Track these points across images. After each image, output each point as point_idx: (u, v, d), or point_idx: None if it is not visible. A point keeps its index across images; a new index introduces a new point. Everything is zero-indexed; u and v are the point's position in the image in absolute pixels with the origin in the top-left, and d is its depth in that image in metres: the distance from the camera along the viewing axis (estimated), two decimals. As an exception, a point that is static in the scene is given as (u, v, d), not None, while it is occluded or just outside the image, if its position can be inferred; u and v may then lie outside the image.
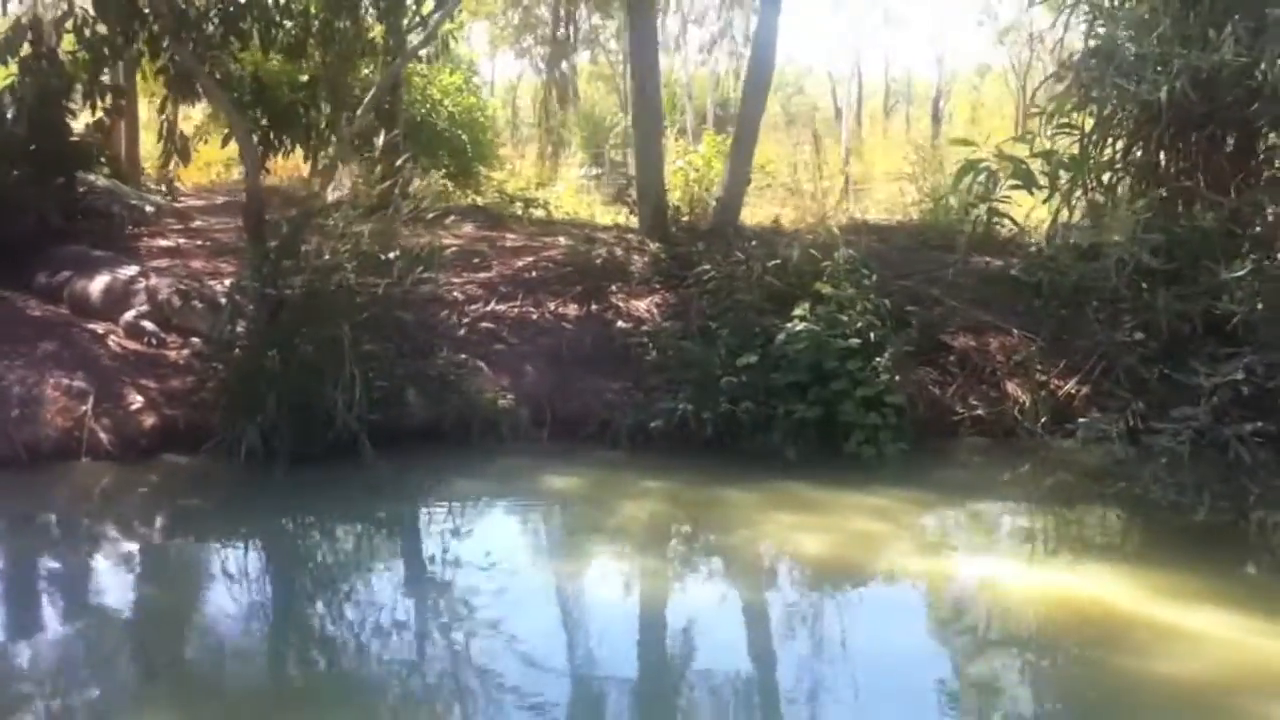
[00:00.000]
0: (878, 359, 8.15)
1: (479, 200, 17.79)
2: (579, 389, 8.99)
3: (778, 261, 9.10)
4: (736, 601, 6.16)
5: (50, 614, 6.10)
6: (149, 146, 19.21)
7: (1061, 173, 8.70)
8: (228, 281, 9.95)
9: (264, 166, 10.27)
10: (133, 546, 7.24)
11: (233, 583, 6.73)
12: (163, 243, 12.66)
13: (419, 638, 5.77)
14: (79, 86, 10.01)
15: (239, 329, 8.46)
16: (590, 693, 5.26)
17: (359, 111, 9.05)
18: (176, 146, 9.20)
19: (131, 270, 9.71)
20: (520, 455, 8.39)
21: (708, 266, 9.56)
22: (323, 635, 5.87)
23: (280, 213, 14.53)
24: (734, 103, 44.15)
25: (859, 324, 8.29)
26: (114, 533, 7.32)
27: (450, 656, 5.54)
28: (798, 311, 8.59)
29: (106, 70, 9.26)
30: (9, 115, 9.63)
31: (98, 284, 9.57)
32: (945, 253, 11.89)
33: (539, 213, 16.31)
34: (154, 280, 9.43)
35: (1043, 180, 9.00)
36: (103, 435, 8.14)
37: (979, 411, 8.90)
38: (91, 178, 12.47)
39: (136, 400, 8.45)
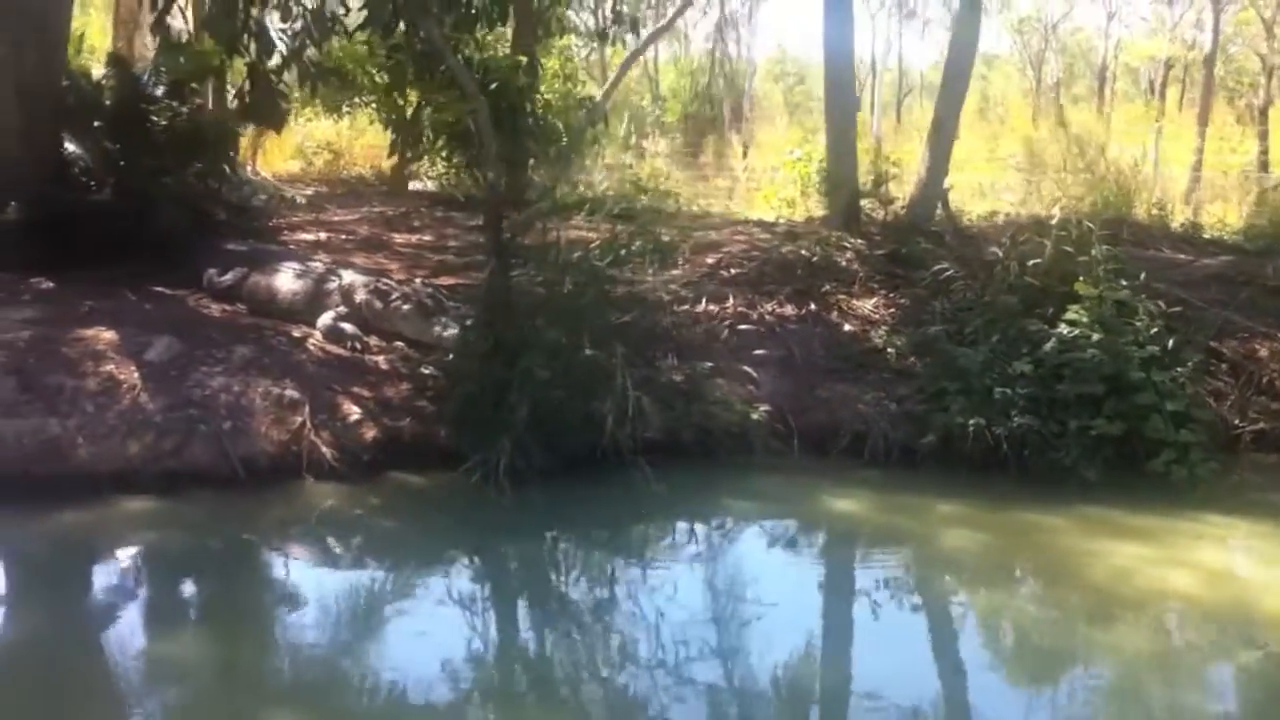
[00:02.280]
0: (1178, 369, 7.46)
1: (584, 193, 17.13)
2: (822, 398, 8.34)
3: (1038, 260, 8.38)
4: (1139, 654, 5.42)
5: (314, 648, 5.46)
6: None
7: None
8: (418, 281, 9.32)
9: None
10: (394, 576, 6.55)
11: (500, 613, 6.17)
12: (306, 236, 11.99)
13: (735, 680, 5.12)
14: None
15: (463, 334, 7.76)
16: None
17: (600, 97, 8.28)
18: (409, 137, 8.42)
19: (317, 268, 9.00)
20: (776, 471, 7.74)
21: (946, 265, 8.86)
22: (621, 676, 5.25)
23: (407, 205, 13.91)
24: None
25: (1153, 329, 7.60)
26: (376, 563, 6.63)
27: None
28: (1070, 315, 7.90)
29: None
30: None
31: (283, 283, 8.87)
32: (1135, 248, 11.27)
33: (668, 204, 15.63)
34: (348, 279, 8.72)
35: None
36: (325, 450, 7.42)
37: (1261, 425, 8.21)
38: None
39: (353, 411, 7.77)
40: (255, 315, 8.94)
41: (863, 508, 7.24)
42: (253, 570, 6.54)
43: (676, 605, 6.09)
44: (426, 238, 12.64)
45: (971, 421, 7.41)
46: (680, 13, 8.73)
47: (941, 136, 10.78)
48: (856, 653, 5.55)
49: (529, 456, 7.20)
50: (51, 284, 9.37)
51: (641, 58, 34.80)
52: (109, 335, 8.16)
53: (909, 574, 6.51)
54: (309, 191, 15.63)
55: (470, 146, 8.28)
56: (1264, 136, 28.42)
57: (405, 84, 8.36)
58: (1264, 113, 31.33)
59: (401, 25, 7.77)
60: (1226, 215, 15.06)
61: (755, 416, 7.81)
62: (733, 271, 9.92)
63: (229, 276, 9.27)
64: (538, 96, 9.17)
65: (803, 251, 10.00)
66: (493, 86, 8.69)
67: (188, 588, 6.39)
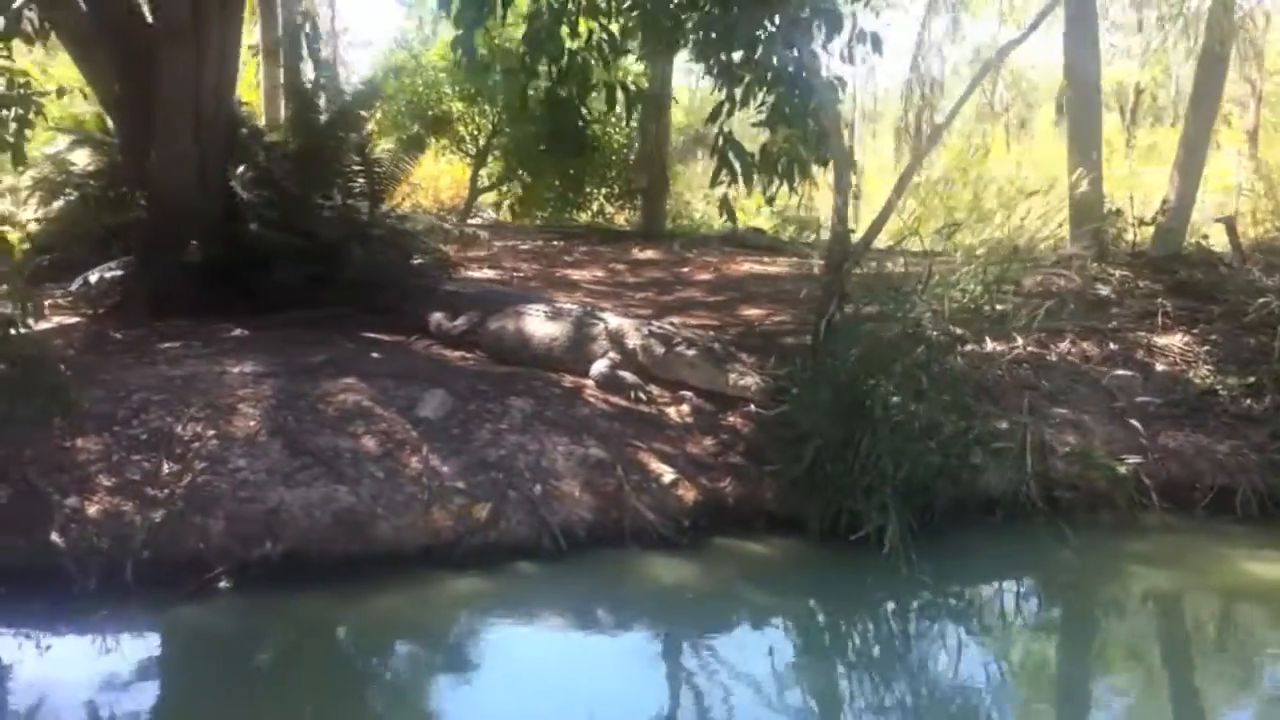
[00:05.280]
0: None
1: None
2: (1169, 447, 7.67)
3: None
4: None
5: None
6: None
7: None
8: (673, 321, 8.60)
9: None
10: (780, 662, 5.76)
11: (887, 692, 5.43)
12: (477, 274, 11.25)
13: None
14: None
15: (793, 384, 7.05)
16: None
17: (946, 119, 7.50)
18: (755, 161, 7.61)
19: (571, 310, 8.24)
20: (1138, 529, 7.10)
21: (1270, 297, 8.26)
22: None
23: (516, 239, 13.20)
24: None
25: None
26: (755, 646, 5.89)
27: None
28: None
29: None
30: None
31: (535, 327, 8.11)
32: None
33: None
34: (614, 323, 7.97)
35: None
36: (650, 515, 6.63)
37: None
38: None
39: (664, 470, 7.00)
40: (501, 363, 8.15)
41: (1284, 572, 6.54)
42: (626, 658, 5.75)
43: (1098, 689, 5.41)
44: (597, 273, 11.98)
45: None
46: (1039, 21, 7.92)
47: (1192, 161, 10.23)
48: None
49: (889, 516, 6.46)
50: (244, 331, 8.56)
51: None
52: (362, 388, 7.33)
53: None
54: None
55: (771, 173, 7.45)
56: (1254, 158, 28.48)
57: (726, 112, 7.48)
58: (1253, 135, 31.43)
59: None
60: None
61: (1123, 470, 7.08)
62: (998, 308, 9.20)
63: (461, 321, 8.50)
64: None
65: (1062, 283, 9.34)
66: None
67: (550, 684, 5.52)
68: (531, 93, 8.57)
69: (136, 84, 9.00)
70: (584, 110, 7.75)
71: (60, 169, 11.19)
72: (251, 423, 6.81)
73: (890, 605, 6.18)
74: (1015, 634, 6.03)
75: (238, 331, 8.57)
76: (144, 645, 5.59)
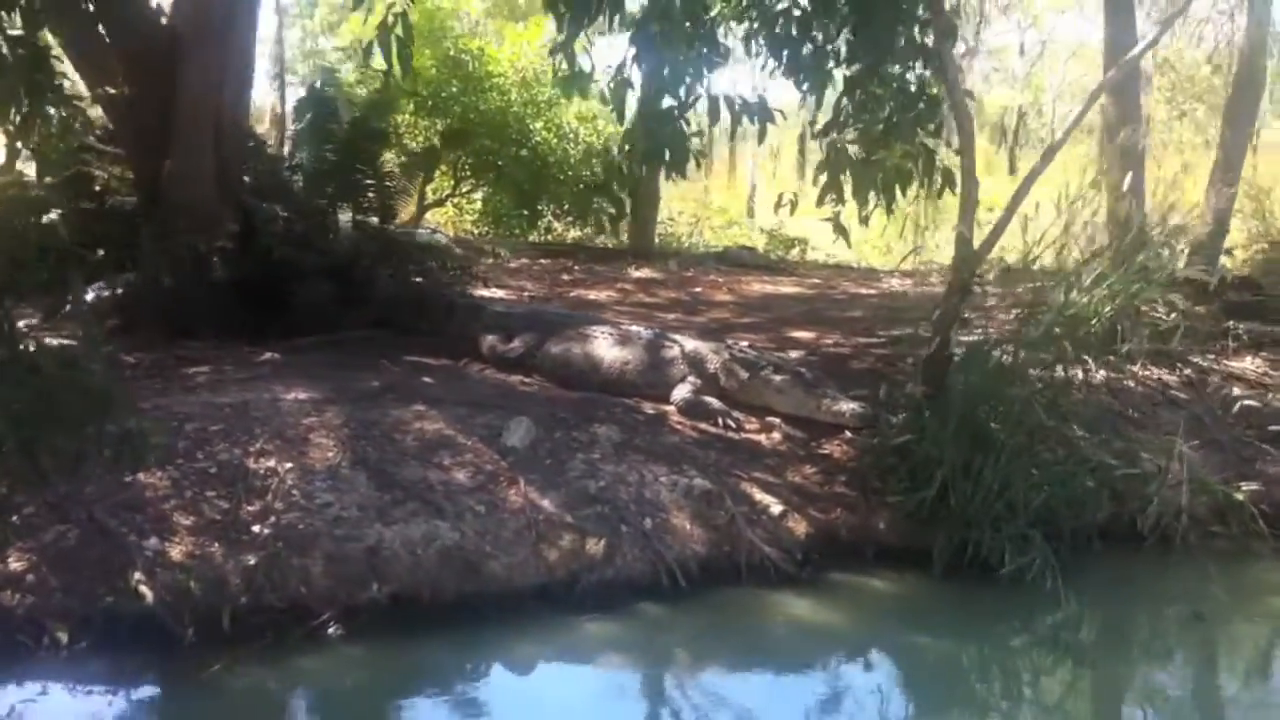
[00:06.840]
0: None
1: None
2: (1270, 474, 7.69)
3: None
4: None
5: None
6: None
7: None
8: (742, 344, 8.39)
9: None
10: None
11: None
12: (484, 293, 10.90)
13: None
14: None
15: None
16: None
17: (1063, 134, 7.28)
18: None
19: (639, 332, 7.97)
20: (1259, 556, 7.05)
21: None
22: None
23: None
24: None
25: None
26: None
27: None
28: None
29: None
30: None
31: (603, 350, 7.82)
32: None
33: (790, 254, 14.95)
34: (690, 345, 7.73)
35: None
36: (767, 549, 6.39)
37: None
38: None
39: (769, 501, 6.76)
40: (565, 387, 7.86)
41: None
42: (775, 708, 5.44)
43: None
44: (609, 293, 11.73)
45: None
46: (1166, 28, 7.72)
47: (1227, 180, 10.34)
48: None
49: (1031, 549, 6.33)
50: (276, 354, 8.13)
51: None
52: (436, 416, 6.97)
53: None
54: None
55: (869, 190, 7.25)
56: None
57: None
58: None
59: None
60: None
61: (1239, 497, 7.06)
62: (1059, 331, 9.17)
63: (517, 343, 8.18)
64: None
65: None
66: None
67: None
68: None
69: (150, 88, 8.46)
70: (686, 123, 7.39)
71: (14, 181, 10.46)
72: (329, 454, 6.41)
73: (1053, 646, 6.01)
74: (1190, 672, 5.92)
75: (268, 355, 8.12)
76: (268, 704, 5.13)
